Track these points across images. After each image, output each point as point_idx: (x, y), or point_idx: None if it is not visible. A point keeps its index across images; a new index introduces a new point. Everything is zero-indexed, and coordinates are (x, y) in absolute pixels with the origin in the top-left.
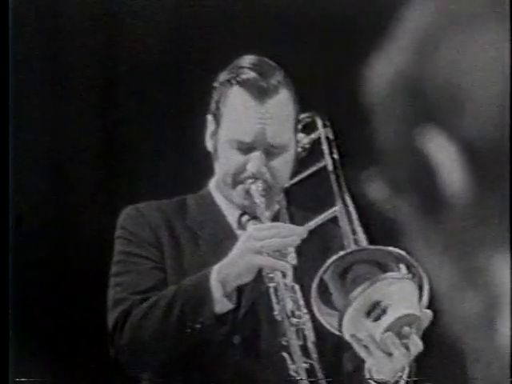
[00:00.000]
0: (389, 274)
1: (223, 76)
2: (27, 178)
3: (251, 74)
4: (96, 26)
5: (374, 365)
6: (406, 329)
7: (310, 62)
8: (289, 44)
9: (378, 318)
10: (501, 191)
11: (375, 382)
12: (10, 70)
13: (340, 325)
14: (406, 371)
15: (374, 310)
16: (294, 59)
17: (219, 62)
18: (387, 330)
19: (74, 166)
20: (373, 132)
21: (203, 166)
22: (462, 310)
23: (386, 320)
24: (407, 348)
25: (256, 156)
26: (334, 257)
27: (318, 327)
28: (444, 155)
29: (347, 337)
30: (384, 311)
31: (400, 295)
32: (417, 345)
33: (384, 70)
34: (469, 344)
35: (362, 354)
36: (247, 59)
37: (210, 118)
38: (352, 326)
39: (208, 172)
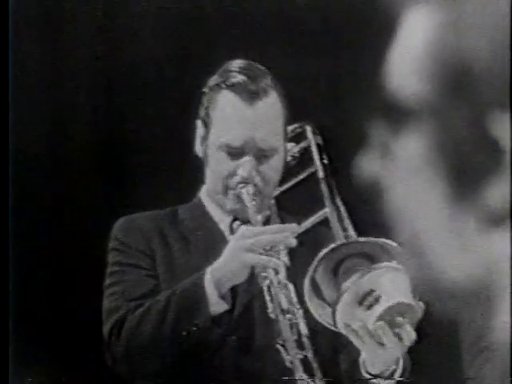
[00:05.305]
0: (382, 264)
1: (212, 81)
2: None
3: (240, 78)
4: (94, 29)
5: (368, 356)
6: (399, 318)
7: (301, 65)
8: (278, 48)
9: (370, 307)
10: None
11: (370, 375)
12: (9, 70)
13: (334, 315)
14: (400, 364)
15: (367, 299)
16: (284, 64)
17: (214, 66)
18: (380, 318)
19: (71, 170)
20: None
21: (196, 173)
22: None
23: (379, 308)
24: (400, 338)
25: (247, 161)
26: (326, 250)
27: (311, 322)
28: None
29: (341, 327)
30: (376, 300)
31: (393, 284)
32: (410, 335)
33: None
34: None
35: (356, 343)
36: (236, 63)
37: (199, 123)
38: (345, 316)
39: (200, 179)
